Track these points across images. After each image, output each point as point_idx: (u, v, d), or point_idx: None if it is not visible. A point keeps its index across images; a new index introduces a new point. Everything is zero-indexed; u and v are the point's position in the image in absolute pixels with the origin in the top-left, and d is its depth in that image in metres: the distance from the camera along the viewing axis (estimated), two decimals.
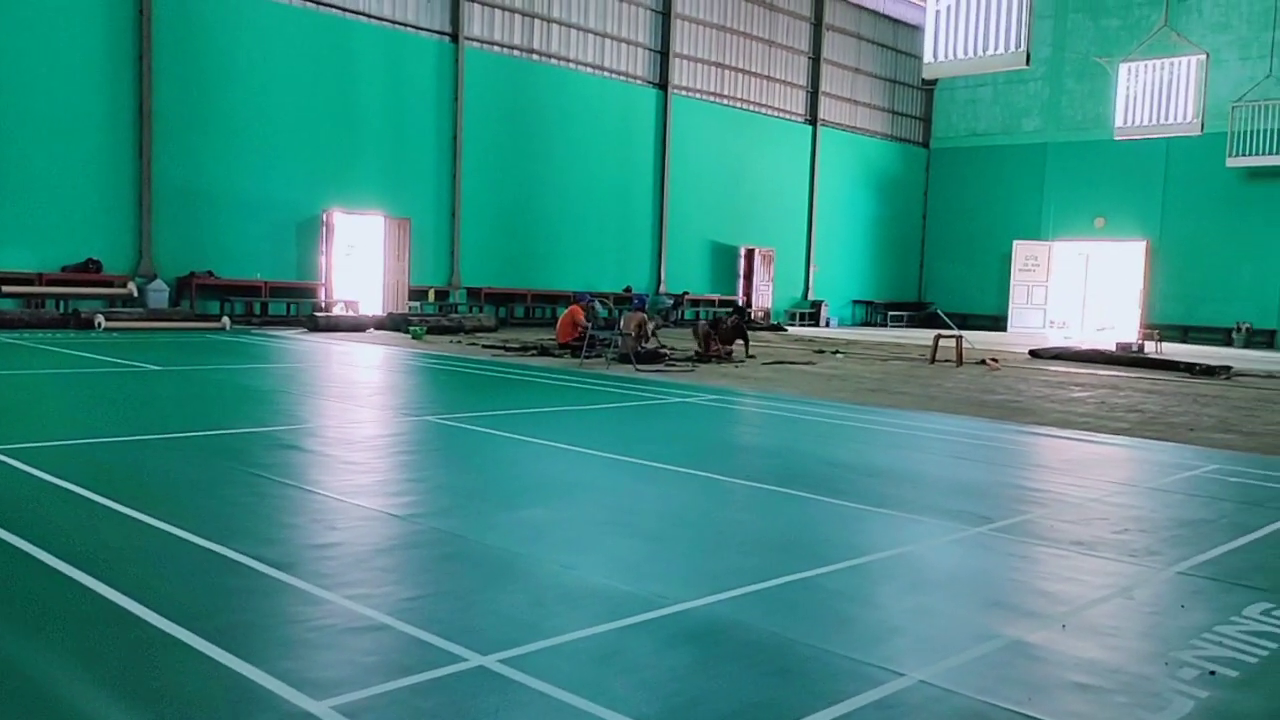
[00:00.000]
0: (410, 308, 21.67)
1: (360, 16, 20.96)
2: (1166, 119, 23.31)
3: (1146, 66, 23.77)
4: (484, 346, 16.68)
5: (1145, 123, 23.75)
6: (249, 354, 13.75)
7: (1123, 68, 24.19)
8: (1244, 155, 27.07)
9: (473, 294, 23.33)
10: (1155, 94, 23.45)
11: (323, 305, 20.49)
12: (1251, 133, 27.21)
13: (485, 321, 21.11)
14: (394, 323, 19.75)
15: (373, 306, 21.23)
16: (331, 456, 6.44)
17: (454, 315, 21.34)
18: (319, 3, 20.34)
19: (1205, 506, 5.88)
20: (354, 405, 9.16)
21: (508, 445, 7.12)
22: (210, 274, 19.08)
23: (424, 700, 2.78)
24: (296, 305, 20.42)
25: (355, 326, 19.24)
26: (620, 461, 6.64)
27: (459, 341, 17.84)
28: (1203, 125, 23.39)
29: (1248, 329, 27.93)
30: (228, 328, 17.98)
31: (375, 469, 6.14)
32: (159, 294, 18.17)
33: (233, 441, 6.80)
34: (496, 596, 3.69)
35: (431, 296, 22.48)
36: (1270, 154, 26.70)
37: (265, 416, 8.15)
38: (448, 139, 22.53)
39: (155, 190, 18.31)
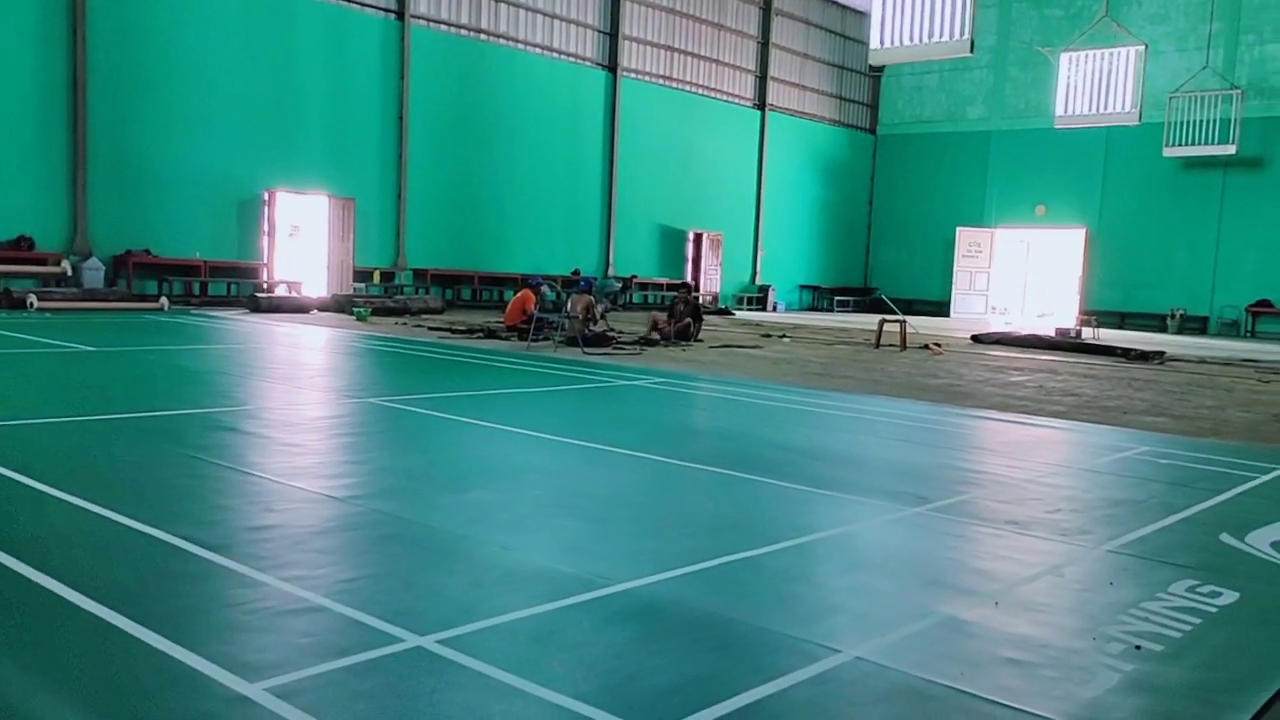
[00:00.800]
0: (355, 289, 21.40)
1: None
2: (1106, 108, 23.75)
3: (1087, 56, 24.18)
4: (430, 329, 16.53)
5: (1085, 112, 24.17)
6: (188, 335, 13.48)
7: (1064, 57, 24.59)
8: (1180, 145, 27.69)
9: (419, 275, 23.09)
10: (1095, 84, 23.87)
11: (265, 286, 20.14)
12: (1188, 123, 27.84)
13: (431, 303, 20.92)
14: (338, 304, 19.49)
15: (316, 288, 20.92)
16: (271, 439, 6.35)
17: (400, 297, 21.11)
18: None
19: (1135, 487, 6.03)
20: (295, 387, 9.03)
21: (452, 428, 7.08)
22: (148, 252, 18.65)
23: (360, 681, 2.76)
24: (237, 286, 20.06)
25: (298, 308, 18.95)
26: (566, 444, 6.63)
27: (405, 323, 17.66)
28: (1141, 115, 23.87)
29: (1182, 315, 28.65)
30: (166, 308, 17.60)
31: (315, 451, 6.06)
32: (94, 273, 17.72)
33: (169, 424, 6.67)
34: (436, 578, 3.67)
35: (377, 278, 22.21)
36: (1205, 144, 27.34)
37: (203, 398, 8.00)
38: (393, 118, 22.23)
39: (90, 166, 17.83)
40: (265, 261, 20.45)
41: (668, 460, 6.24)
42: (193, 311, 17.73)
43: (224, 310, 18.33)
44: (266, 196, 20.30)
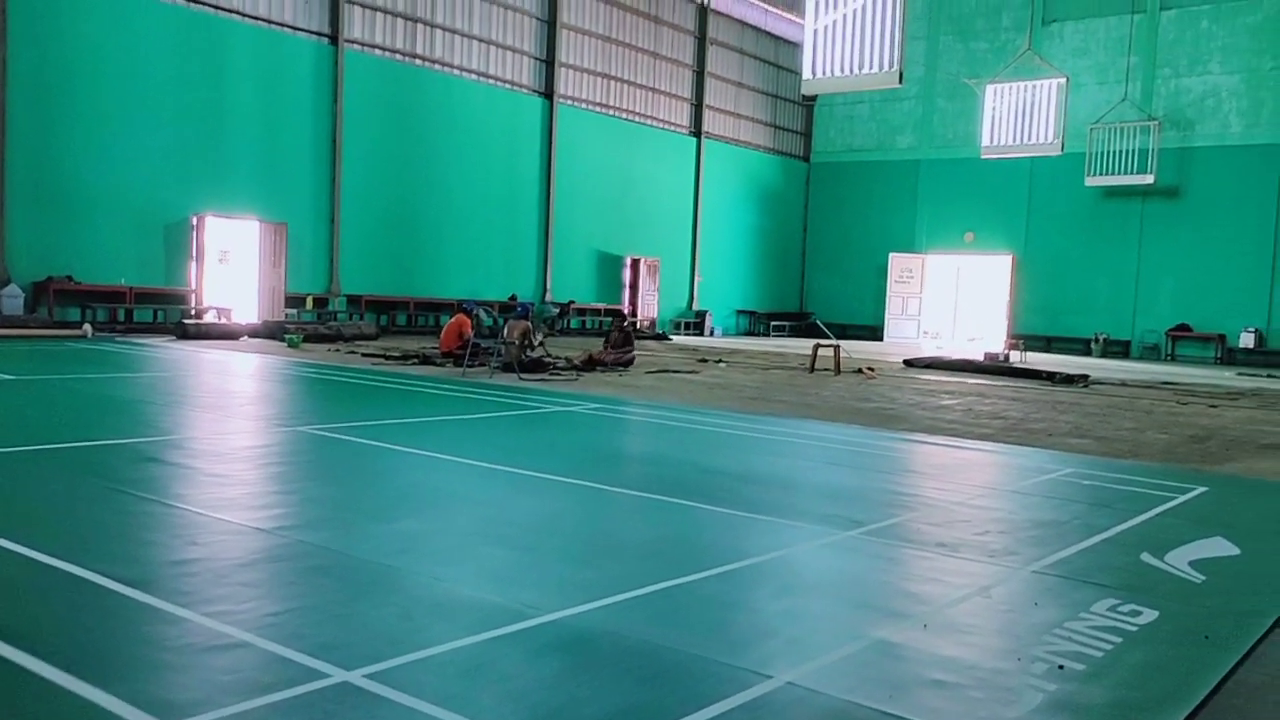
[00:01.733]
0: (287, 315, 21.04)
1: (235, 15, 20.29)
2: (1029, 139, 24.46)
3: (1011, 88, 24.90)
4: (364, 355, 16.32)
5: (1010, 142, 24.87)
6: (112, 363, 13.12)
7: (989, 89, 25.29)
8: (1101, 175, 28.59)
9: (353, 301, 22.81)
10: (1019, 115, 24.59)
11: (193, 312, 19.71)
12: (1108, 153, 28.77)
13: (366, 329, 20.66)
14: (269, 330, 19.14)
15: (247, 314, 20.52)
16: (196, 469, 6.20)
17: (333, 323, 20.82)
18: (192, 0, 19.65)
19: (1060, 508, 6.17)
20: (223, 416, 8.84)
21: (384, 456, 6.98)
22: (70, 279, 18.14)
23: (284, 719, 2.69)
24: (164, 312, 19.60)
25: (228, 334, 18.57)
26: (499, 471, 6.58)
27: (338, 350, 17.41)
28: (1063, 145, 24.62)
29: (1105, 339, 29.48)
30: (89, 335, 17.11)
31: (242, 482, 5.93)
32: (13, 300, 17.17)
33: (90, 455, 6.47)
34: (364, 610, 3.60)
35: (310, 304, 21.88)
36: (1124, 174, 28.27)
37: (127, 428, 7.79)
38: (327, 142, 22.00)
39: (9, 188, 17.32)
40: (193, 287, 20.02)
41: (601, 486, 6.22)
42: (117, 339, 17.28)
43: (150, 337, 17.88)
44: (195, 221, 19.91)
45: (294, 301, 21.48)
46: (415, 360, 15.34)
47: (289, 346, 17.44)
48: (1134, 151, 28.26)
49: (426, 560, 4.32)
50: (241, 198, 20.51)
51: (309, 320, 21.11)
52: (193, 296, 19.98)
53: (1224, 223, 28.10)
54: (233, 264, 20.72)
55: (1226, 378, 20.90)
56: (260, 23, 20.73)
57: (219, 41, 20.06)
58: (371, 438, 7.67)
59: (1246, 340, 27.45)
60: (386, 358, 15.72)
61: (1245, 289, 27.80)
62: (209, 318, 19.71)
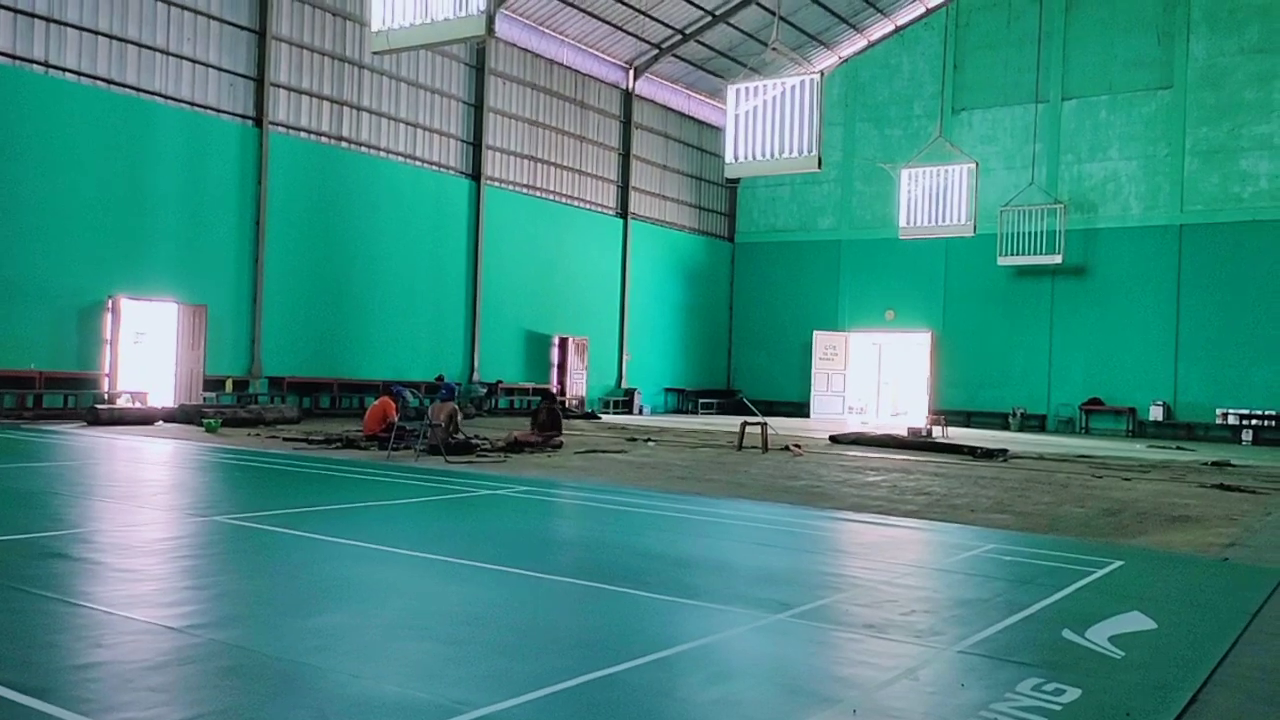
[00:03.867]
0: (205, 398, 20.53)
1: (159, 98, 20.15)
2: (943, 220, 25.37)
3: (925, 173, 25.87)
4: (284, 439, 15.95)
5: (925, 224, 25.75)
6: (16, 452, 12.61)
7: (904, 173, 26.23)
8: (1012, 255, 29.70)
9: (275, 383, 22.37)
10: (933, 198, 25.51)
11: (106, 397, 19.12)
12: (1018, 234, 29.94)
13: (287, 412, 20.23)
14: (186, 415, 18.63)
15: (163, 398, 19.97)
16: (103, 564, 5.95)
17: (253, 406, 20.36)
18: (114, 82, 19.45)
19: (982, 586, 6.25)
20: (134, 506, 8.52)
21: (303, 546, 6.79)
22: None
23: None
24: (76, 397, 18.97)
25: (143, 419, 18.02)
26: (424, 560, 6.44)
27: (258, 434, 17.00)
28: (975, 227, 25.57)
29: (1022, 414, 30.27)
30: None
31: (153, 576, 5.70)
32: None
33: None
34: (277, 713, 3.46)
35: (229, 387, 21.39)
36: (1034, 254, 29.43)
37: (29, 522, 7.45)
38: (251, 224, 21.78)
39: None
40: (107, 371, 19.45)
41: (528, 573, 6.12)
42: (24, 426, 16.64)
43: (60, 424, 17.27)
44: (111, 304, 19.43)
45: (213, 384, 20.98)
46: (338, 444, 15.05)
47: (206, 431, 16.99)
48: (1042, 233, 29.45)
49: (346, 657, 4.18)
50: (161, 279, 20.12)
51: (228, 403, 20.62)
52: (106, 380, 19.40)
53: (1129, 300, 29.32)
54: (149, 346, 20.22)
55: (1137, 450, 21.57)
56: (184, 105, 20.61)
57: (142, 124, 19.87)
58: (291, 526, 7.46)
59: (1155, 413, 28.43)
60: (309, 442, 15.39)
61: (1152, 363, 28.91)
62: (123, 402, 19.13)
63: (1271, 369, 27.30)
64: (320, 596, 5.32)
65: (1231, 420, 27.34)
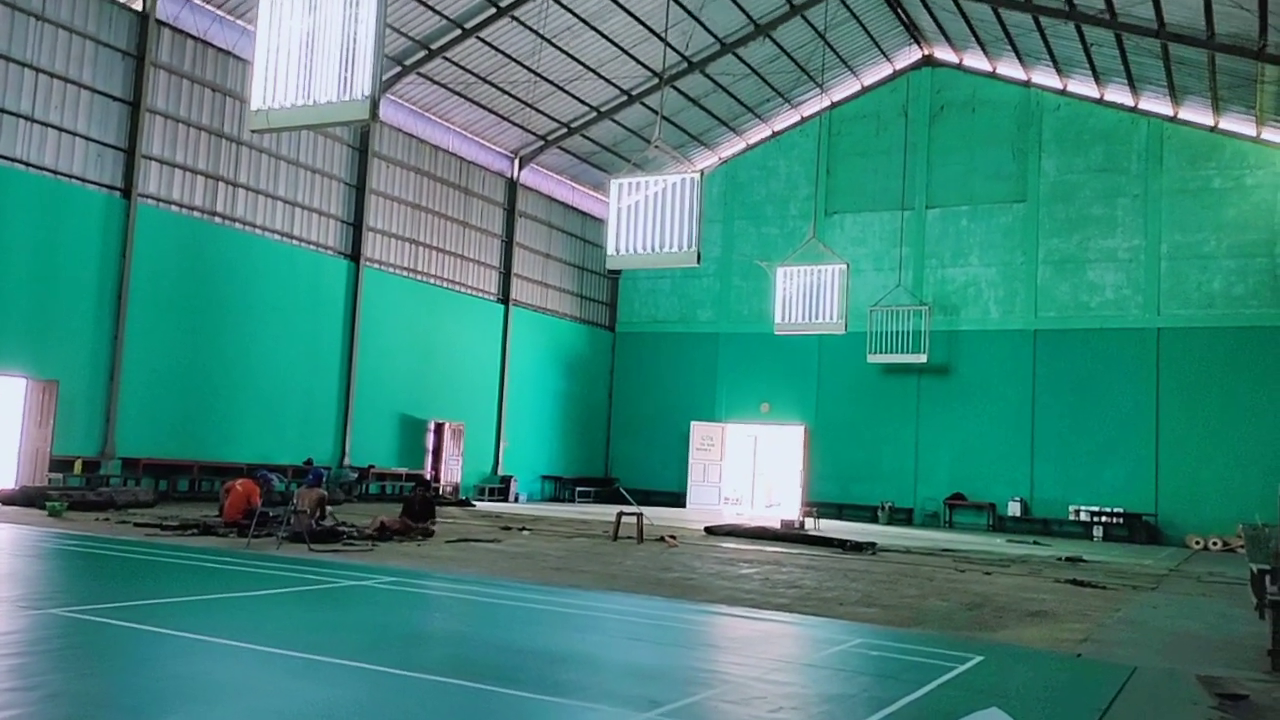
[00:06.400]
0: (51, 480, 19.28)
1: (17, 164, 19.31)
2: (816, 318, 26.21)
3: (799, 271, 26.78)
4: (136, 525, 15.08)
5: (799, 320, 26.55)
6: None
7: (779, 271, 27.09)
8: (880, 353, 30.85)
9: (130, 465, 21.19)
10: (807, 295, 26.38)
11: None
12: (886, 333, 31.16)
13: (141, 496, 19.15)
14: (28, 497, 17.45)
15: (3, 479, 18.68)
16: None
17: (104, 489, 19.22)
18: None
19: (849, 681, 6.30)
20: None
21: (147, 641, 6.37)
22: None
23: None
24: None
25: None
26: (276, 656, 6.12)
27: (108, 519, 16.04)
28: (846, 325, 26.49)
29: (890, 507, 31.08)
30: None
31: None
32: None
33: None
34: None
35: (79, 468, 20.15)
36: (901, 352, 30.65)
37: None
38: (111, 297, 20.85)
39: None
40: None
41: (392, 670, 5.88)
42: None
43: None
44: None
45: (61, 465, 19.74)
46: (195, 530, 14.30)
47: (50, 515, 15.93)
48: (909, 332, 30.73)
49: None
50: (7, 352, 19.00)
51: (76, 486, 19.41)
52: None
53: (989, 400, 30.71)
54: None
55: (998, 544, 22.34)
56: (44, 173, 19.79)
57: None
58: (136, 620, 7.00)
59: (1014, 509, 29.62)
60: (163, 527, 14.58)
61: (1010, 461, 30.21)
62: None
63: (1118, 468, 28.86)
64: (160, 698, 4.98)
65: (1084, 517, 28.65)
